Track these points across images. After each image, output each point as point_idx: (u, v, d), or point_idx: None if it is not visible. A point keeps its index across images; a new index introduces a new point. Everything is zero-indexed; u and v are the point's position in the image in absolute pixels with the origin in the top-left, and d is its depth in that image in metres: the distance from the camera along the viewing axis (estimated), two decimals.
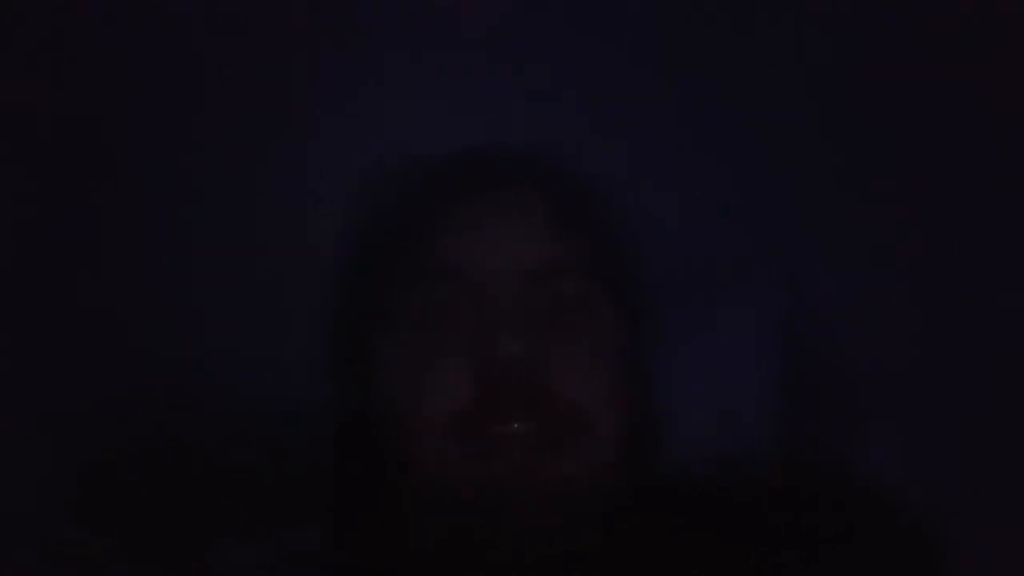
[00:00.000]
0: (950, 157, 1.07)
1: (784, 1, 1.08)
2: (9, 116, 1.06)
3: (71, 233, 1.09)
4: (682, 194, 1.03)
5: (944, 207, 1.07)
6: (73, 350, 1.07)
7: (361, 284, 0.84)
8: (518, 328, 0.76)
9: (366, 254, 0.85)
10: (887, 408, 1.02)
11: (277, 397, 1.03)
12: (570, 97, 1.09)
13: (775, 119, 1.09)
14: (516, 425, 0.75)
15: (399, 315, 0.80)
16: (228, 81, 1.10)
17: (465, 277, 0.79)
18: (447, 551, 0.76)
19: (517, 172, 0.85)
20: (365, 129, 1.10)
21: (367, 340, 0.82)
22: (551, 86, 1.10)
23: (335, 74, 1.12)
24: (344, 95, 1.12)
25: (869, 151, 1.08)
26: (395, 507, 0.79)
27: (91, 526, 1.02)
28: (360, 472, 0.82)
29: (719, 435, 0.93)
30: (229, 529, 0.95)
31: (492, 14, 1.10)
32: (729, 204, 1.04)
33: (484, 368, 0.76)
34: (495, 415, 0.76)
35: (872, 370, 1.04)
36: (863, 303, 1.05)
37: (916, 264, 1.06)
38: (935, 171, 1.08)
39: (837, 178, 1.07)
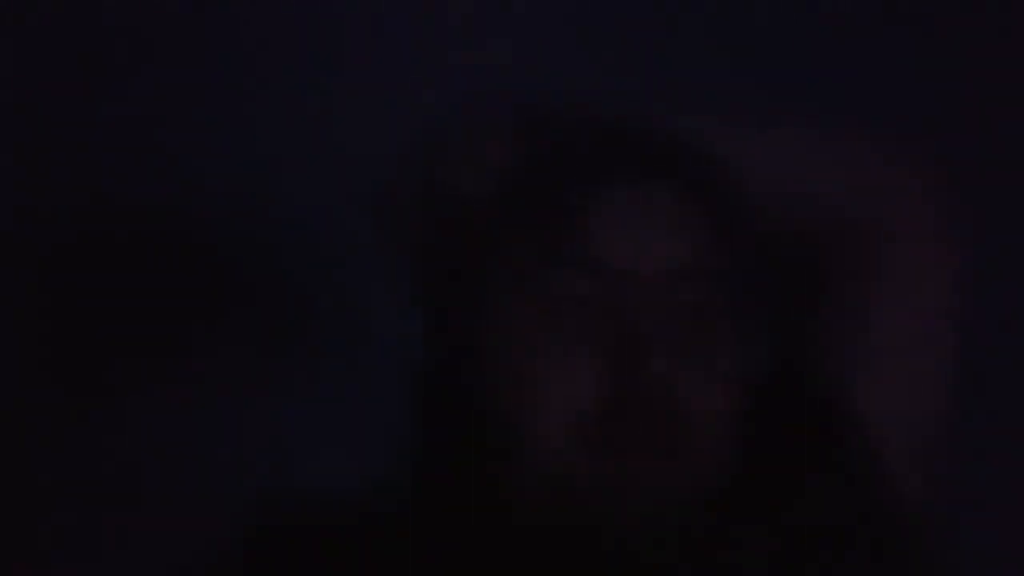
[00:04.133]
0: None
1: None
2: None
3: None
4: None
5: None
6: None
7: (486, 252, 0.80)
8: (663, 343, 0.75)
9: (497, 222, 0.80)
10: None
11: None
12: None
13: None
14: (641, 434, 0.75)
15: (528, 299, 0.77)
16: None
17: (611, 272, 0.77)
18: (543, 541, 0.76)
19: (668, 160, 0.81)
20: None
21: (485, 314, 0.79)
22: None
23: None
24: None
25: None
26: (490, 480, 0.78)
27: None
28: (451, 433, 0.81)
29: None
30: None
31: None
32: None
33: (623, 377, 0.75)
34: (623, 422, 0.75)
35: None
36: None
37: None
38: None
39: None
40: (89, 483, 1.15)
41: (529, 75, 1.16)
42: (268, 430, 1.18)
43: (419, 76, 1.19)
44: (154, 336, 1.18)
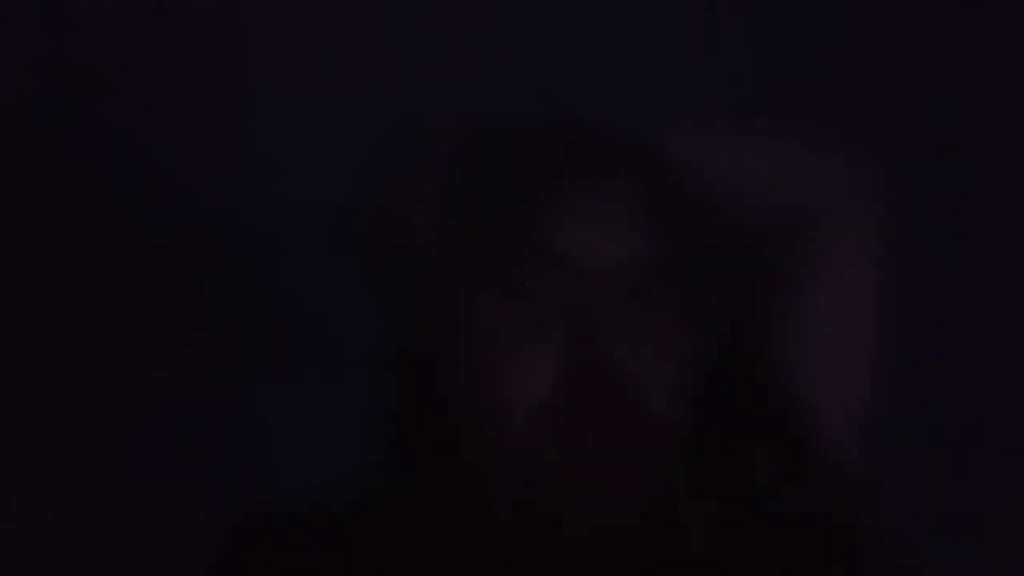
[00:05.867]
0: None
1: None
2: None
3: None
4: None
5: None
6: None
7: (447, 243, 0.82)
8: (619, 330, 0.78)
9: (459, 212, 0.83)
10: None
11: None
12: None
13: None
14: (600, 420, 0.77)
15: (487, 292, 0.80)
16: None
17: (570, 264, 0.79)
18: (507, 527, 0.78)
19: (624, 153, 0.84)
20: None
21: (447, 300, 0.82)
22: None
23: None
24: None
25: None
26: (455, 470, 0.81)
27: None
28: (416, 421, 0.83)
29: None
30: None
31: None
32: None
33: (580, 364, 0.77)
34: (580, 410, 0.77)
35: None
36: None
37: None
38: None
39: None
40: (72, 482, 1.17)
41: (483, 82, 1.19)
42: (238, 428, 1.20)
43: (377, 86, 1.22)
44: (132, 337, 1.19)
